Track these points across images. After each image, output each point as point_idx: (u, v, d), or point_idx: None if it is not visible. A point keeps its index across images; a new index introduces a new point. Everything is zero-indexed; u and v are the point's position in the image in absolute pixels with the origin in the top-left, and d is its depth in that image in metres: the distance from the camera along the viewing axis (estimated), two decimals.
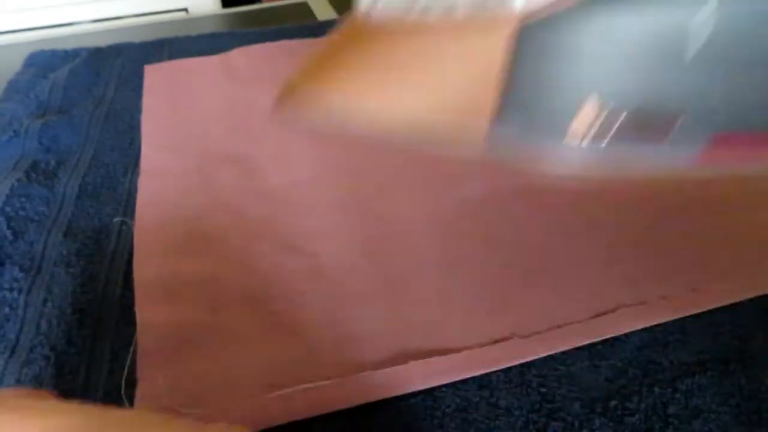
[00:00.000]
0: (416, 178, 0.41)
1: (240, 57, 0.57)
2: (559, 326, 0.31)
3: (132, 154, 0.45)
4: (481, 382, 0.29)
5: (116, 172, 0.43)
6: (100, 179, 0.42)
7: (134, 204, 0.39)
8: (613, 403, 0.28)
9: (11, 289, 0.33)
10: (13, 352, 0.30)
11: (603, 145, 0.25)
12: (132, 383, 0.29)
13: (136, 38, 0.62)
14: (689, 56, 0.22)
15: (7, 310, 0.32)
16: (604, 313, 0.31)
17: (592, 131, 0.25)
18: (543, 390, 0.28)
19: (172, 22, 0.72)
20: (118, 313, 0.32)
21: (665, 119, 0.25)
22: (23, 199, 0.40)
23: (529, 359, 0.29)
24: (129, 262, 0.35)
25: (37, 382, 0.29)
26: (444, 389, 0.28)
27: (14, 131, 0.46)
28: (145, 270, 0.34)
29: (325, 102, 0.29)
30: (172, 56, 0.58)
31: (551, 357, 0.30)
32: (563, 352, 0.30)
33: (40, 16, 0.73)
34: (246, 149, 0.45)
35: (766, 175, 0.40)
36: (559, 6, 0.23)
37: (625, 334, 0.31)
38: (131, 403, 0.28)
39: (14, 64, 0.58)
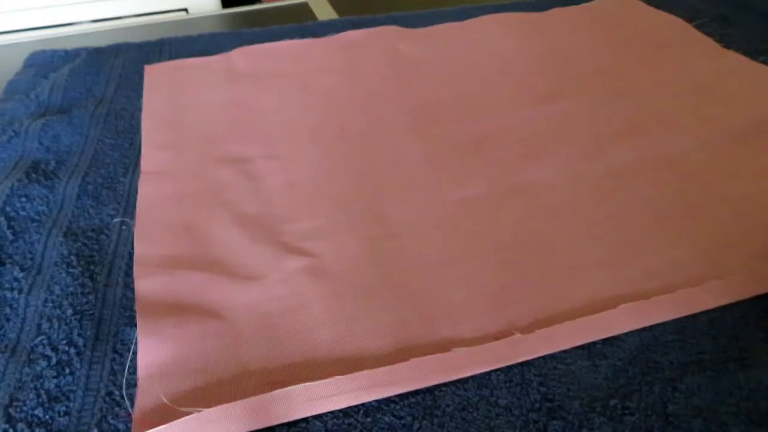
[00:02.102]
0: (417, 177, 0.42)
1: (240, 57, 0.57)
2: (560, 322, 0.31)
3: (132, 154, 0.45)
4: (481, 381, 0.29)
5: (116, 172, 0.43)
6: (101, 179, 0.42)
7: (134, 204, 0.39)
8: (613, 402, 0.28)
9: (12, 289, 0.34)
10: (13, 352, 0.30)
11: None
12: (133, 383, 0.29)
13: (136, 38, 0.62)
14: None
15: (7, 310, 0.32)
16: (604, 310, 0.31)
17: None
18: (543, 389, 0.28)
19: (172, 22, 0.72)
20: (118, 314, 0.32)
21: None
22: (23, 199, 0.40)
23: (530, 357, 0.29)
24: (129, 263, 0.35)
25: (38, 383, 0.29)
26: (444, 388, 0.28)
27: (14, 131, 0.46)
28: (145, 270, 0.34)
29: None
30: (172, 56, 0.58)
31: (551, 356, 0.30)
32: (563, 351, 0.30)
33: (40, 16, 0.73)
34: (246, 149, 0.45)
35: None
36: None
37: (625, 334, 0.31)
38: (132, 404, 0.28)
39: (14, 64, 0.58)
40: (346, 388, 0.28)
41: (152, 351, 0.30)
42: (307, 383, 0.28)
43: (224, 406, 0.27)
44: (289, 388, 0.28)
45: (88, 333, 0.31)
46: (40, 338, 0.31)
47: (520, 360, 0.29)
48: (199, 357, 0.30)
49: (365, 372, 0.28)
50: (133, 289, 0.33)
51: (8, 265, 0.35)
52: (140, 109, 0.50)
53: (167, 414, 0.27)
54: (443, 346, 0.30)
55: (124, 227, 0.38)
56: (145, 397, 0.28)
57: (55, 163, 0.43)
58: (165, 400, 0.28)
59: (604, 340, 0.30)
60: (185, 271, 0.34)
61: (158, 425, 0.26)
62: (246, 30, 0.65)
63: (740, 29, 0.60)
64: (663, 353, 0.30)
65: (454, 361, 0.29)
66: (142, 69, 0.56)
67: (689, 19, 0.60)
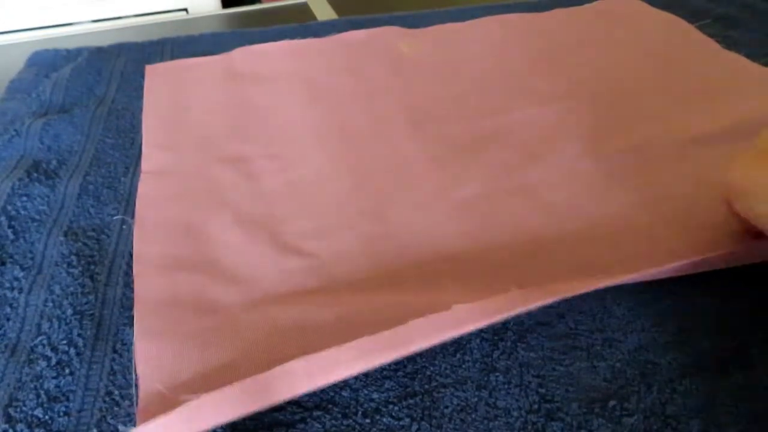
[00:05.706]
0: (417, 177, 0.42)
1: (241, 57, 0.57)
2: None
3: (133, 154, 0.45)
4: (480, 382, 0.29)
5: (117, 172, 0.43)
6: (102, 179, 0.42)
7: (135, 203, 0.39)
8: (611, 403, 0.28)
9: (12, 289, 0.34)
10: (13, 351, 0.30)
11: None
12: (133, 383, 0.29)
13: (137, 38, 0.62)
14: None
15: (7, 309, 0.32)
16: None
17: None
18: (541, 390, 0.28)
19: (172, 23, 0.72)
20: (118, 313, 0.32)
21: None
22: (24, 199, 0.40)
23: (527, 306, 0.29)
24: (130, 263, 0.35)
25: (38, 383, 0.29)
26: (442, 390, 0.28)
27: (16, 130, 0.46)
28: (144, 269, 0.34)
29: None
30: (173, 56, 0.58)
31: (550, 357, 0.30)
32: (561, 353, 0.30)
33: (42, 16, 0.73)
34: (247, 149, 0.45)
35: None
36: None
37: (624, 334, 0.31)
38: (134, 401, 0.28)
39: (16, 63, 0.58)
40: (347, 357, 0.27)
41: (150, 350, 0.30)
42: (306, 356, 0.27)
43: (223, 389, 0.26)
44: (287, 363, 0.27)
45: (88, 333, 0.31)
46: (40, 338, 0.31)
47: (518, 310, 0.29)
48: (199, 356, 0.30)
49: (364, 338, 0.27)
50: (133, 289, 0.33)
51: (8, 265, 0.35)
52: (141, 109, 0.50)
53: (169, 405, 0.27)
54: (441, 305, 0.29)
55: (124, 227, 0.38)
56: (147, 390, 0.28)
57: (56, 163, 0.43)
58: (164, 390, 0.27)
59: (603, 341, 0.30)
60: (185, 270, 0.34)
61: (160, 415, 0.26)
62: (248, 30, 0.65)
63: (744, 30, 0.59)
64: (662, 354, 0.30)
65: (453, 317, 0.28)
66: (144, 69, 0.56)
67: (692, 20, 0.60)
